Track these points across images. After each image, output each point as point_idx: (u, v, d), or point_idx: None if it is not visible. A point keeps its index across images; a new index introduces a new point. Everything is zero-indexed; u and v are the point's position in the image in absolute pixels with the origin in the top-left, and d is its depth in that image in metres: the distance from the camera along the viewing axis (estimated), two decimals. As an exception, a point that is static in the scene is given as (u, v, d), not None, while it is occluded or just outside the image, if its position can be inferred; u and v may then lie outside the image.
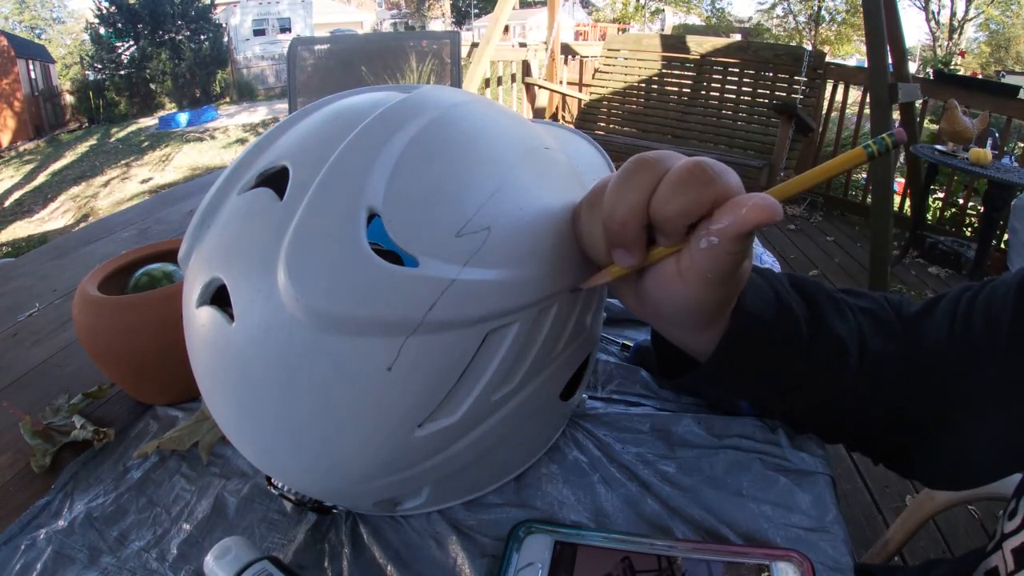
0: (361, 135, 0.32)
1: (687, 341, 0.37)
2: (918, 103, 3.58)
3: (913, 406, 0.39)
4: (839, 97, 4.17)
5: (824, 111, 4.25)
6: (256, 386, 0.32)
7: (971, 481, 0.38)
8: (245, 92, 16.16)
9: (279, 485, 0.44)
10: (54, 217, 7.29)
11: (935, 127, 3.97)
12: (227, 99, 15.64)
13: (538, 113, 5.18)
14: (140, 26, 15.75)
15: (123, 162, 9.23)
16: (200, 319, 0.32)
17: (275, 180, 0.33)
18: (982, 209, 3.05)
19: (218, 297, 0.32)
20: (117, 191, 7.91)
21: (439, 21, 27.04)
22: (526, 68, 5.04)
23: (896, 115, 3.36)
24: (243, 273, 0.30)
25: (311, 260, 0.28)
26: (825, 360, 0.38)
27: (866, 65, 2.96)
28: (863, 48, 3.52)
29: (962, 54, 16.47)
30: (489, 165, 0.33)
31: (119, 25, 15.82)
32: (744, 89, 4.47)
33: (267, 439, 0.34)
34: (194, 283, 0.33)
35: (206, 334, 0.32)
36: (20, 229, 6.92)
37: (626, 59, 4.91)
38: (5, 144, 11.49)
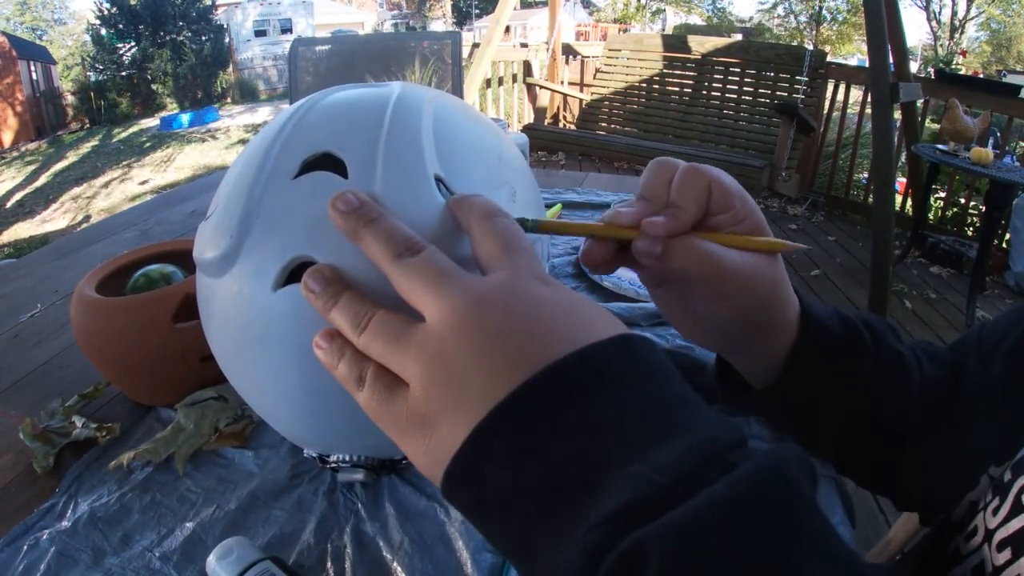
0: (397, 117, 0.35)
1: (747, 362, 0.38)
2: (919, 102, 3.58)
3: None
4: (840, 97, 4.17)
5: (825, 111, 4.25)
6: None
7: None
8: (247, 92, 16.18)
9: (344, 459, 0.46)
10: (56, 218, 7.30)
11: (936, 127, 3.97)
12: (229, 100, 15.66)
13: (539, 113, 5.19)
14: (141, 27, 15.76)
15: (125, 163, 9.24)
16: (281, 301, 0.33)
17: (318, 167, 0.34)
18: (983, 209, 3.05)
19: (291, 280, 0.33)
20: (119, 192, 7.91)
21: (440, 22, 27.05)
22: (527, 68, 5.04)
23: (897, 114, 3.36)
24: (336, 248, 0.31)
25: (406, 224, 0.30)
26: (890, 374, 0.38)
27: (867, 65, 2.96)
28: (864, 48, 3.52)
29: (963, 53, 16.48)
30: (487, 134, 0.40)
31: (120, 26, 15.83)
32: (745, 89, 4.47)
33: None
34: (261, 271, 0.33)
35: (295, 313, 0.33)
36: (22, 230, 6.93)
37: (627, 59, 4.91)
38: (7, 145, 11.51)
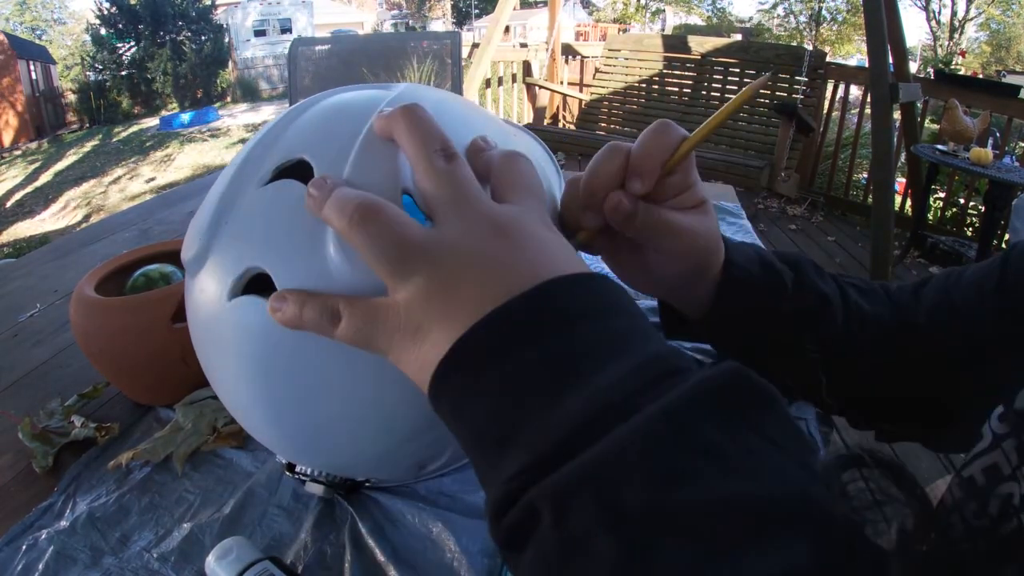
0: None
1: (687, 304, 0.42)
2: (919, 103, 3.58)
3: (909, 374, 0.43)
4: (840, 96, 4.17)
5: (825, 111, 4.25)
6: (313, 366, 0.32)
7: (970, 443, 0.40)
8: (247, 92, 16.18)
9: (306, 471, 0.45)
10: (55, 218, 7.30)
11: (936, 127, 3.96)
12: (228, 99, 15.66)
13: (539, 113, 5.18)
14: (141, 27, 15.76)
15: (125, 162, 9.23)
16: (234, 312, 0.32)
17: (292, 173, 0.33)
18: (983, 209, 3.05)
19: (248, 289, 0.33)
20: (119, 191, 7.91)
21: (440, 22, 27.05)
22: (527, 68, 5.04)
23: (897, 115, 3.36)
24: (288, 258, 0.31)
25: None
26: (810, 310, 0.42)
27: (867, 65, 2.95)
28: (864, 48, 3.52)
29: (963, 54, 16.46)
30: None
31: (120, 26, 15.82)
32: (745, 89, 4.46)
33: (318, 420, 0.34)
34: (220, 279, 0.33)
35: (246, 325, 0.32)
36: (22, 230, 6.93)
37: (627, 59, 4.90)
38: (7, 144, 11.51)
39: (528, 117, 5.13)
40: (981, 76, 10.84)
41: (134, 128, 12.13)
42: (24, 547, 0.45)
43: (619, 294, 0.25)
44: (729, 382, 0.21)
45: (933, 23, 19.54)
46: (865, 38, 2.75)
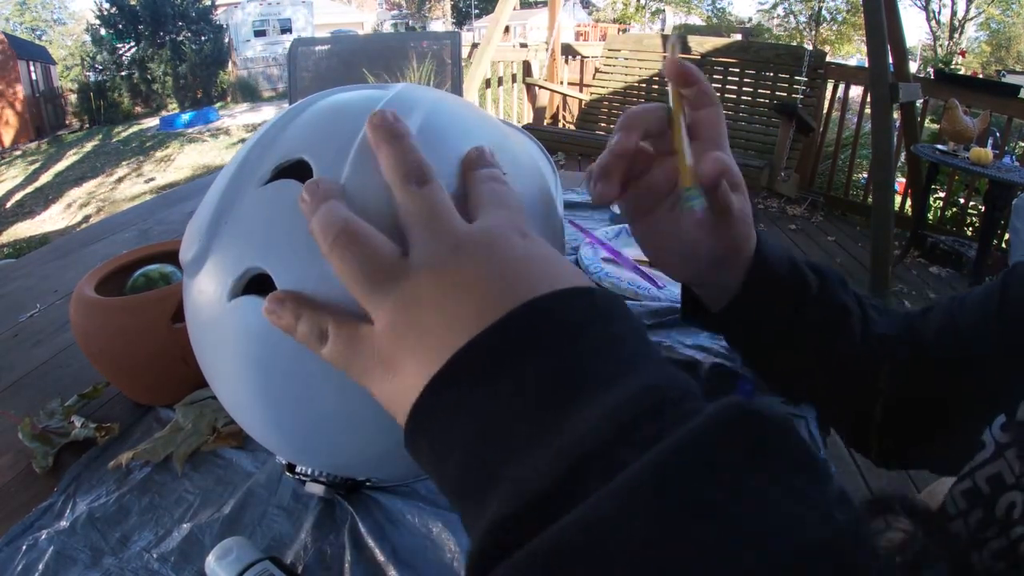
0: None
1: (711, 289, 0.43)
2: (919, 103, 3.58)
3: (916, 392, 0.44)
4: (840, 96, 4.17)
5: (825, 111, 4.25)
6: (313, 366, 0.32)
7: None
8: (247, 92, 16.18)
9: (306, 471, 0.45)
10: (55, 218, 7.30)
11: (936, 127, 3.96)
12: (228, 99, 15.66)
13: (539, 113, 5.18)
14: (141, 27, 15.76)
15: (125, 163, 9.23)
16: (234, 313, 0.32)
17: (292, 173, 0.33)
18: (983, 209, 3.05)
19: (248, 289, 0.33)
20: (119, 192, 7.92)
21: (440, 22, 27.05)
22: (527, 68, 5.04)
23: (897, 115, 3.36)
24: (288, 260, 0.30)
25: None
26: (830, 317, 0.43)
27: (867, 65, 2.95)
28: (864, 48, 3.52)
29: (963, 53, 16.46)
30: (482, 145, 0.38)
31: (120, 26, 15.83)
32: (745, 89, 4.47)
33: (318, 420, 0.34)
34: (220, 279, 0.33)
35: (246, 325, 0.32)
36: (22, 230, 6.93)
37: (626, 59, 4.90)
38: (7, 144, 11.51)
39: (528, 117, 5.13)
40: (981, 76, 10.85)
41: (134, 128, 12.12)
42: (24, 547, 0.45)
43: (591, 309, 0.23)
44: (727, 433, 0.18)
45: (933, 23, 19.56)
46: (865, 38, 2.75)
